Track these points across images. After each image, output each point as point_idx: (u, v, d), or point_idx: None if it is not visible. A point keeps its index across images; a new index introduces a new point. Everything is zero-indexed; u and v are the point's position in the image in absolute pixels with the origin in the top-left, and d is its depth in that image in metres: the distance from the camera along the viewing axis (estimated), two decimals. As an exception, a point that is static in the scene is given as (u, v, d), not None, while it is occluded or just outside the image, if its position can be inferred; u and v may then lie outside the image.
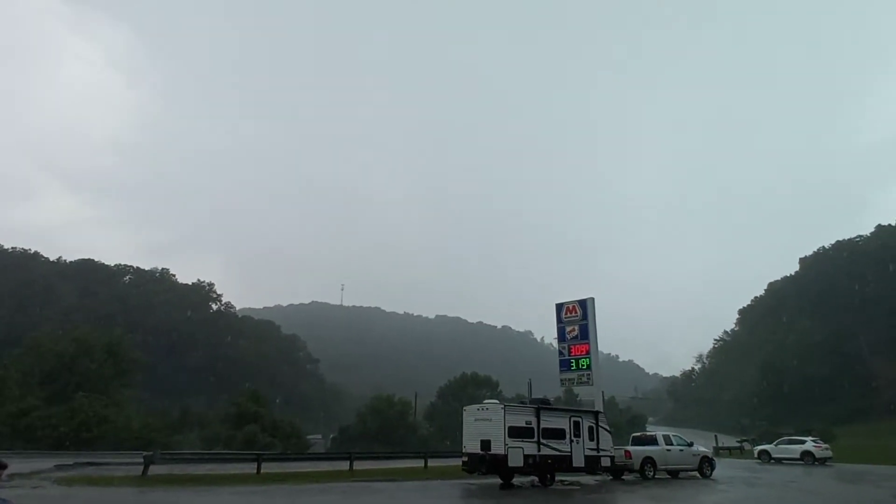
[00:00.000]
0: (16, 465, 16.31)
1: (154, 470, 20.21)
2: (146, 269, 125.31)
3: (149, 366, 72.84)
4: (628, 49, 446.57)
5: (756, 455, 38.08)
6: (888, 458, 34.11)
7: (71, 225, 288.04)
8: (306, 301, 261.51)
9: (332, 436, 69.14)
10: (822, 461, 33.18)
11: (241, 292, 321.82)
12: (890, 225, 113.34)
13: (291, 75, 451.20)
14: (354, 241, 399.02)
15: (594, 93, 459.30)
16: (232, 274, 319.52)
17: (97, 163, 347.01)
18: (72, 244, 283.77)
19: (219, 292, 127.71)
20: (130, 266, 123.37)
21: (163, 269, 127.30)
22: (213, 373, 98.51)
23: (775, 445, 36.98)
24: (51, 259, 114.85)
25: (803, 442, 35.56)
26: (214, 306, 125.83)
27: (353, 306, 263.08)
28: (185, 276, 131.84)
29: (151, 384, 77.48)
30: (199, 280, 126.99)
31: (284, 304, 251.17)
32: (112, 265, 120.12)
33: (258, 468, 21.69)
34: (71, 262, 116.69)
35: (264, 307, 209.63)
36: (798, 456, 34.03)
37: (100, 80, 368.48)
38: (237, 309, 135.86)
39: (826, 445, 35.73)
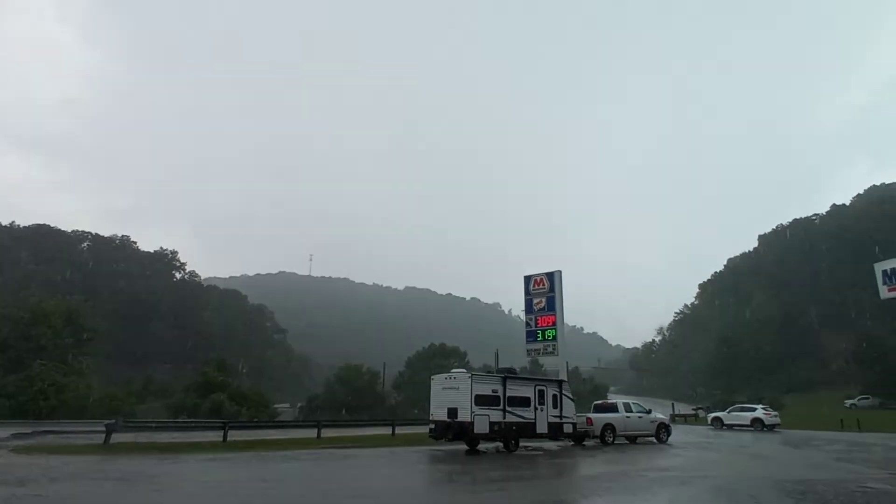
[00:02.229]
0: (-30, 433, 15.88)
1: (117, 438, 19.93)
2: (105, 235, 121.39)
3: (110, 335, 71.31)
4: (597, 32, 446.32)
5: (709, 422, 39.85)
6: (831, 425, 36.18)
7: (23, 189, 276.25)
8: (274, 271, 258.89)
9: (299, 405, 69.22)
10: (771, 427, 34.99)
11: (205, 261, 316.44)
12: (844, 205, 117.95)
13: (260, 36, 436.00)
14: (324, 212, 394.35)
15: (565, 75, 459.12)
16: (196, 242, 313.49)
17: (51, 124, 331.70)
18: (25, 208, 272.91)
19: (182, 260, 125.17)
20: (88, 232, 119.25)
21: (123, 235, 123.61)
22: (177, 342, 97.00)
23: (728, 413, 38.74)
24: (2, 223, 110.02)
25: (754, 410, 37.35)
26: (178, 275, 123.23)
27: (322, 277, 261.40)
28: (146, 244, 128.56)
29: (113, 353, 75.97)
30: (161, 248, 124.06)
31: (251, 273, 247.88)
32: (69, 231, 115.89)
33: (224, 436, 21.60)
34: (25, 227, 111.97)
35: (230, 276, 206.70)
36: (748, 423, 35.78)
37: (51, 35, 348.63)
38: (202, 278, 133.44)
39: (775, 413, 37.62)
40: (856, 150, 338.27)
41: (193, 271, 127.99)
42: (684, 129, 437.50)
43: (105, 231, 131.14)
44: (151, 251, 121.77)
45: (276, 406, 57.44)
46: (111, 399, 40.91)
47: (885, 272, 16.45)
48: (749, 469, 16.18)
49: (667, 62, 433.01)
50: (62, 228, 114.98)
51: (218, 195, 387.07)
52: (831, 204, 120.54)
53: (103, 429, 20.08)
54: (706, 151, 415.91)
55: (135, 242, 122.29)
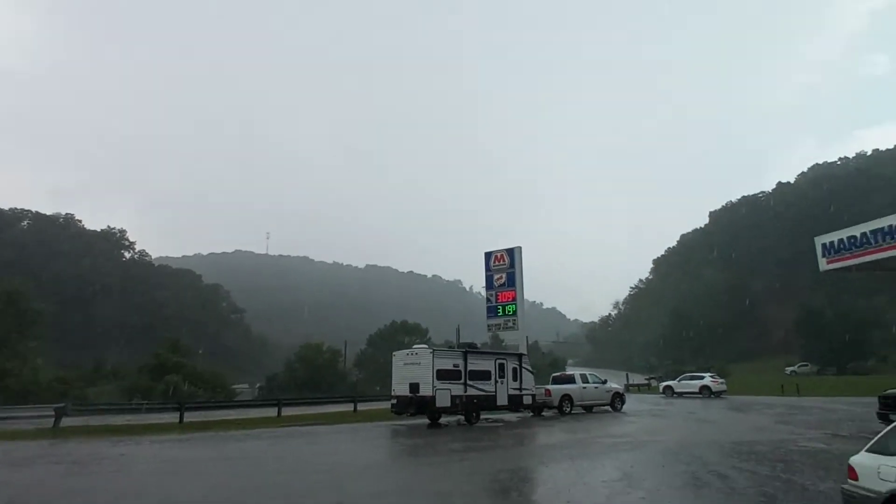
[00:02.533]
0: None
1: (67, 423, 19.31)
2: (48, 214, 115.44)
3: (56, 318, 68.40)
4: (555, 14, 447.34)
5: (661, 390, 41.50)
6: (773, 391, 38.30)
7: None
8: (229, 250, 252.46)
9: (259, 385, 68.34)
10: (718, 394, 36.75)
11: (156, 240, 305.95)
12: (789, 182, 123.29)
13: (209, 14, 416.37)
14: (281, 189, 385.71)
15: (519, 47, 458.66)
16: (146, 221, 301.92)
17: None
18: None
19: (131, 240, 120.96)
20: (28, 210, 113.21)
21: (67, 214, 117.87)
22: (128, 324, 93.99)
23: (678, 381, 40.37)
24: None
25: (702, 378, 39.07)
26: (127, 254, 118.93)
27: (280, 255, 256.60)
28: (92, 223, 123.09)
29: (61, 337, 72.98)
30: (108, 226, 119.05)
31: (205, 252, 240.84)
32: (7, 209, 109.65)
33: (181, 417, 21.19)
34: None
35: (183, 256, 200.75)
36: (697, 390, 37.45)
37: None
38: (153, 258, 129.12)
39: (722, 380, 39.44)
40: (802, 130, 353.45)
41: (143, 251, 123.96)
42: (642, 109, 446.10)
43: (47, 209, 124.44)
44: (98, 230, 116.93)
45: (234, 387, 56.63)
46: (60, 383, 39.34)
47: (824, 245, 17.32)
48: (697, 433, 16.99)
49: (621, 45, 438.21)
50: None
51: (169, 172, 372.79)
52: (777, 182, 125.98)
53: (52, 413, 19.39)
54: (662, 131, 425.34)
55: (80, 221, 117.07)
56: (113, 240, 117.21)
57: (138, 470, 11.57)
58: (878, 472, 5.44)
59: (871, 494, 5.44)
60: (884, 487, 5.32)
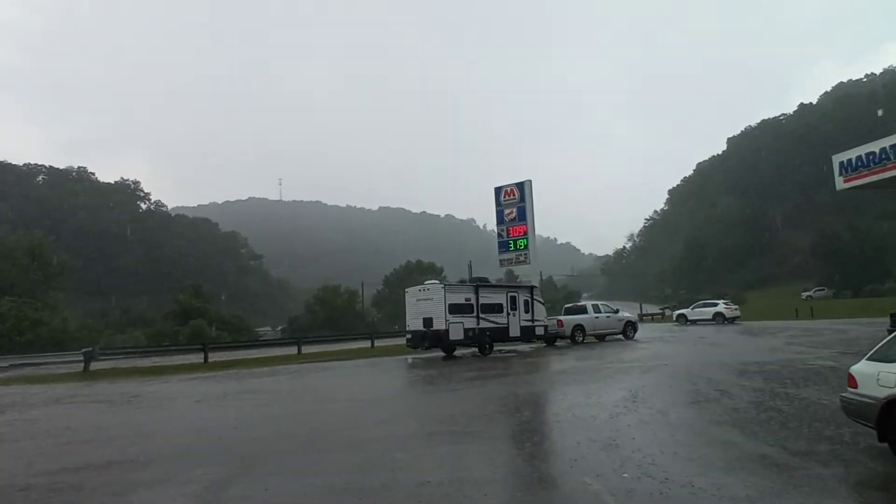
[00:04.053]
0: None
1: (97, 366, 20.18)
2: (61, 168, 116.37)
3: (79, 269, 70.24)
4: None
5: (675, 319, 41.78)
6: (788, 315, 38.41)
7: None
8: (243, 197, 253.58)
9: (280, 328, 70.48)
10: (731, 320, 36.81)
11: (171, 190, 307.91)
12: (811, 104, 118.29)
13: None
14: (291, 135, 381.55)
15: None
16: (159, 171, 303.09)
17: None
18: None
19: (146, 191, 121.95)
20: (43, 165, 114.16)
21: (80, 167, 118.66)
22: (150, 273, 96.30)
23: (691, 309, 40.40)
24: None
25: (716, 304, 39.10)
26: (143, 205, 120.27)
27: (293, 201, 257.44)
28: (105, 175, 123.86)
29: (85, 287, 75.27)
30: (122, 178, 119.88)
31: (220, 201, 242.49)
32: (21, 165, 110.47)
33: (205, 357, 22.01)
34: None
35: (198, 205, 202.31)
36: (711, 317, 37.48)
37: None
38: (169, 208, 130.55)
39: (735, 306, 39.45)
40: (825, 46, 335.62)
41: (159, 201, 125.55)
42: (655, 36, 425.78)
43: (60, 163, 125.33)
44: (112, 182, 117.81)
45: (257, 329, 58.43)
46: (89, 331, 40.93)
47: (841, 163, 16.78)
48: (706, 356, 17.23)
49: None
50: (13, 162, 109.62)
51: (177, 122, 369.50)
52: (799, 103, 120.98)
53: (81, 358, 20.25)
54: (677, 56, 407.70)
55: (93, 174, 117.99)
56: (128, 191, 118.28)
57: (169, 404, 12.17)
58: (878, 379, 5.47)
59: (870, 400, 5.49)
60: (882, 393, 5.37)
